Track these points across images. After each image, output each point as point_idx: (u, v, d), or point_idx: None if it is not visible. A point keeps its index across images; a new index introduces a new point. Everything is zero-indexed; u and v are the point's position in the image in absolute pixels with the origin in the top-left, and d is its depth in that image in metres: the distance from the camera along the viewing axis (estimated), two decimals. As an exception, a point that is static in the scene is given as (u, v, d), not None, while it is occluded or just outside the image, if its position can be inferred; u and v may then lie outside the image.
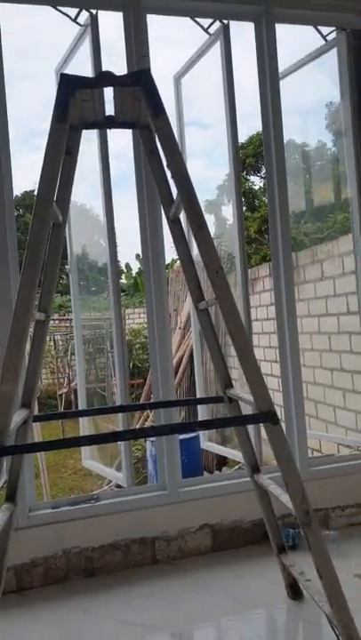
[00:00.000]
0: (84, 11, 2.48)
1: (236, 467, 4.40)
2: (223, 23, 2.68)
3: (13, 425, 1.60)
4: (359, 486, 2.72)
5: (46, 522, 2.37)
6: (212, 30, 2.74)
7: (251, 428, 2.55)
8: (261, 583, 2.21)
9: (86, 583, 2.34)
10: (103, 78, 1.61)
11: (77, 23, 2.54)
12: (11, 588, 2.25)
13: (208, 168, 18.93)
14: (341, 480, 2.71)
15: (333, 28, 2.93)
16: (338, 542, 2.41)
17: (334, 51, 2.99)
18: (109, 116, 1.84)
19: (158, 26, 2.82)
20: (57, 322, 10.93)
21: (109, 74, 1.61)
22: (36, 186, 1.56)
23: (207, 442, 3.47)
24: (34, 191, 24.26)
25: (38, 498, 2.89)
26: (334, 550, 2.29)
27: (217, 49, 2.74)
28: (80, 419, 3.35)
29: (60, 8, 2.47)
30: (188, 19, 2.69)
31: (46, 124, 1.56)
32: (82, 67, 2.57)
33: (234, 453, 3.02)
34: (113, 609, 2.13)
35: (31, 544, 2.32)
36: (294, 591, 2.06)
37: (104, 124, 1.87)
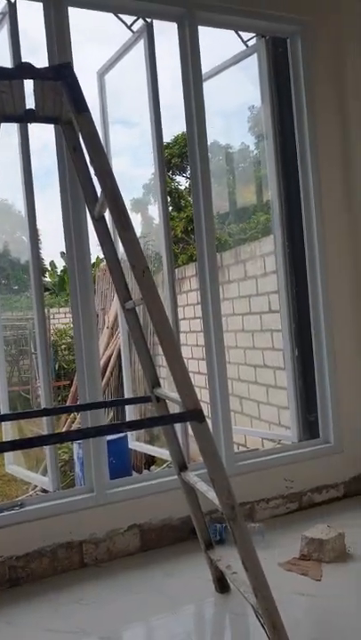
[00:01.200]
0: (1, -2, 2.38)
1: (164, 465, 4.43)
2: (147, 22, 2.68)
3: None
4: (282, 478, 2.84)
5: (-34, 533, 2.25)
6: (135, 28, 2.73)
7: (178, 426, 2.58)
8: (190, 579, 2.25)
9: (11, 593, 2.25)
10: (22, 70, 1.55)
11: (-6, 10, 2.42)
12: None
13: (134, 166, 18.85)
14: (266, 473, 2.82)
15: (254, 35, 3.04)
16: (263, 534, 2.50)
17: (255, 56, 3.09)
18: (30, 110, 1.78)
19: (81, 20, 2.77)
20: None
21: (29, 65, 1.55)
22: None
23: (135, 441, 3.46)
24: None
25: None
26: (260, 542, 2.38)
27: (141, 47, 2.74)
28: (2, 423, 3.21)
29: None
30: (111, 14, 2.66)
31: None
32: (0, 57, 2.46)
33: (162, 452, 3.04)
34: (40, 618, 2.06)
35: None
36: (222, 585, 2.11)
37: (24, 117, 1.80)
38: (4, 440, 2.97)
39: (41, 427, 3.01)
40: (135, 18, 2.69)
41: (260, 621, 1.62)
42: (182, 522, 2.58)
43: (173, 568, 2.36)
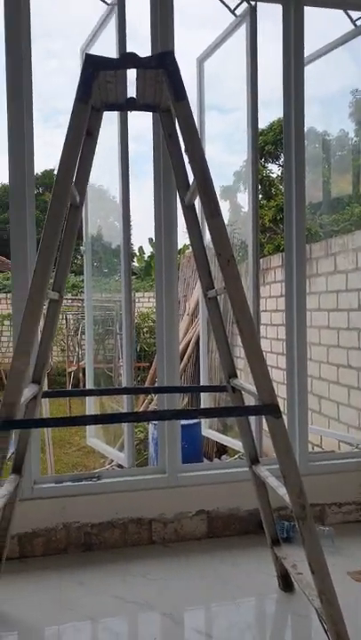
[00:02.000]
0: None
1: (236, 456, 4.43)
2: (250, 4, 2.63)
3: (24, 399, 1.63)
4: (357, 484, 2.73)
5: (49, 495, 2.42)
6: (238, 12, 2.69)
7: (252, 418, 2.56)
8: (254, 572, 2.25)
9: (84, 557, 2.40)
10: (127, 60, 1.59)
11: (105, 2, 2.51)
12: (13, 555, 2.33)
13: (226, 153, 18.72)
14: (340, 477, 2.73)
15: (365, 13, 2.87)
16: (332, 538, 2.43)
17: (363, 37, 2.92)
18: (131, 99, 1.82)
19: (185, 4, 2.77)
20: (70, 301, 10.98)
21: (133, 55, 1.59)
22: (56, 165, 1.55)
23: (208, 429, 3.49)
24: (54, 170, 24.22)
25: (43, 472, 2.94)
26: (328, 546, 2.32)
27: (243, 31, 2.69)
28: (87, 397, 3.39)
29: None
30: None
31: (69, 103, 1.55)
32: (107, 47, 2.54)
33: (234, 442, 3.04)
34: (108, 584, 2.18)
35: (34, 515, 2.38)
36: (286, 583, 2.09)
37: (125, 106, 1.85)
38: (87, 414, 3.14)
39: (121, 404, 3.14)
40: (239, 1, 2.65)
41: (323, 627, 1.59)
42: (250, 514, 2.58)
43: (238, 559, 2.37)
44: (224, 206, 9.22)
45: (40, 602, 2.07)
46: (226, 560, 2.36)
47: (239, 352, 4.54)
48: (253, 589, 2.16)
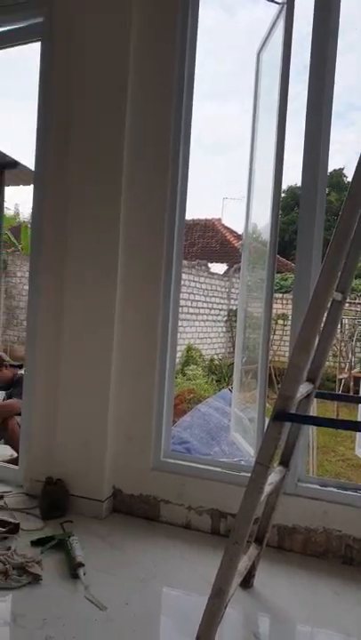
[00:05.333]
0: None
1: None
2: None
3: (299, 395, 1.68)
4: None
5: (312, 496, 2.43)
6: None
7: None
8: None
9: (342, 569, 2.31)
10: None
11: None
12: (272, 544, 2.43)
13: None
14: None
15: None
16: None
17: None
18: None
19: None
20: (346, 305, 10.70)
21: None
22: (344, 164, 1.53)
23: None
24: (342, 169, 23.87)
25: (306, 473, 2.97)
26: None
27: None
28: (359, 406, 3.25)
29: None
30: None
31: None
32: None
33: None
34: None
35: (294, 511, 2.43)
36: None
37: None
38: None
39: None
40: None
41: None
42: None
43: None
44: None
45: (293, 597, 2.09)
46: None
47: None
48: None
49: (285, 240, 17.79)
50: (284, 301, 11.99)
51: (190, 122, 2.67)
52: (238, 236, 17.11)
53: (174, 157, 2.63)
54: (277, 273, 13.18)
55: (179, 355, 10.63)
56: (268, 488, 1.79)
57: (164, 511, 2.64)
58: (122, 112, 2.59)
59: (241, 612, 1.96)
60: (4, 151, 6.12)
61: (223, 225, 18.93)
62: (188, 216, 2.74)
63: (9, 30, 2.92)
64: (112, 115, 2.61)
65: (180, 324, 2.91)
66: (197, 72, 2.65)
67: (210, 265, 13.88)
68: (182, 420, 4.59)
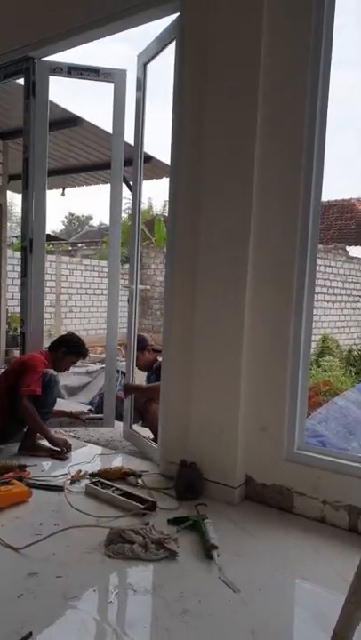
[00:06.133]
0: None
1: None
2: None
3: None
4: None
5: None
6: None
7: None
8: None
9: None
10: None
11: None
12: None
13: None
14: None
15: None
16: None
17: None
18: None
19: None
20: None
21: None
22: None
23: None
24: None
25: None
26: None
27: None
28: None
29: None
30: None
31: None
32: None
33: None
34: None
35: None
36: None
37: None
38: None
39: None
40: None
41: None
42: None
43: None
44: None
45: None
46: None
47: None
48: None
49: None
50: None
51: (327, 93, 2.51)
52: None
53: (309, 135, 2.51)
54: None
55: (313, 345, 10.25)
56: None
57: (298, 503, 2.58)
58: (253, 90, 2.55)
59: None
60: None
61: (364, 204, 17.61)
62: (324, 197, 2.60)
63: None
64: (243, 100, 2.58)
65: (314, 312, 2.79)
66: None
67: (348, 248, 13.04)
68: (317, 413, 4.42)
